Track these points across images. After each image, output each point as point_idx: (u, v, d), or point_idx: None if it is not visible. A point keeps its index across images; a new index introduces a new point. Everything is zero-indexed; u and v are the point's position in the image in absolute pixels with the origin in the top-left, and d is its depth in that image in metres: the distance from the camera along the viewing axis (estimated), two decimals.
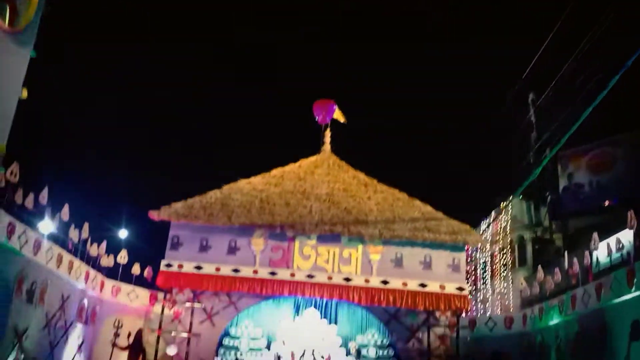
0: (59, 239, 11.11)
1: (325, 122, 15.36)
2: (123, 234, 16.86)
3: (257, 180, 14.55)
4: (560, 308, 11.32)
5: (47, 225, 11.05)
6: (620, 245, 9.56)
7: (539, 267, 12.81)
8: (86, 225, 12.12)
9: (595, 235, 10.50)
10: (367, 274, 13.20)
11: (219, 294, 13.71)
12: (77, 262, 11.65)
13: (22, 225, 9.43)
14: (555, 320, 11.54)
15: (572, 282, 11.25)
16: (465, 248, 13.90)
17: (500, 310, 17.61)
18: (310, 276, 13.17)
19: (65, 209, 11.14)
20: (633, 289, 8.87)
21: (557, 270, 11.90)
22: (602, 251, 11.06)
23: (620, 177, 17.93)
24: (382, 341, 14.41)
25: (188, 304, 13.55)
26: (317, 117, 15.05)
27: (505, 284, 19.43)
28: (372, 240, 13.39)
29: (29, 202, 9.99)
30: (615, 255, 10.32)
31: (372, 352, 14.27)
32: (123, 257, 13.57)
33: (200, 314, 13.72)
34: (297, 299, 14.77)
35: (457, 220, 13.77)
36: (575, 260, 11.10)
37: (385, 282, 13.09)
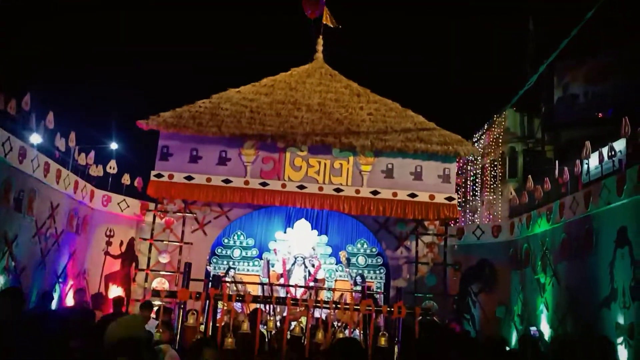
0: (45, 148, 10.92)
1: (316, 16, 14.78)
2: (113, 146, 16.68)
3: (247, 89, 14.21)
4: (547, 216, 11.43)
5: (33, 135, 10.88)
6: (613, 152, 9.50)
7: (529, 176, 12.82)
8: (73, 134, 11.91)
9: (587, 143, 10.42)
10: (358, 185, 13.17)
11: (211, 204, 13.72)
12: (65, 171, 11.52)
13: (5, 132, 9.20)
14: (542, 229, 11.68)
15: (561, 191, 11.29)
16: (457, 159, 13.80)
17: (489, 220, 17.84)
18: (301, 187, 13.10)
19: (50, 116, 10.86)
20: (622, 196, 8.88)
21: (547, 179, 11.92)
22: (594, 161, 11.02)
23: (617, 87, 17.71)
24: (371, 250, 14.81)
25: (179, 214, 13.56)
26: (307, 12, 14.47)
27: (495, 195, 19.60)
28: (364, 152, 13.25)
29: (12, 109, 9.71)
30: (607, 165, 10.28)
31: (361, 261, 14.72)
32: (112, 167, 13.45)
33: (192, 224, 13.81)
34: (289, 210, 14.98)
35: (450, 131, 13.59)
36: (565, 169, 11.08)
37: (375, 193, 13.08)
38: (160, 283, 13.52)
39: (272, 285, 7.34)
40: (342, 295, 9.81)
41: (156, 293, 6.78)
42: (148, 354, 2.70)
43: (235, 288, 11.38)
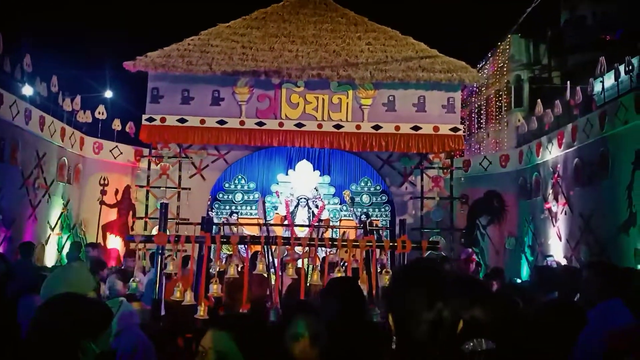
0: (24, 94, 10.19)
1: None
2: (108, 94, 15.90)
3: (237, 23, 13.27)
4: (559, 142, 10.70)
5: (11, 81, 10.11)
6: (630, 67, 8.65)
7: (538, 101, 12.02)
8: (54, 79, 11.14)
9: (602, 59, 9.57)
10: (359, 120, 12.44)
11: (207, 147, 13.03)
12: (49, 118, 10.81)
13: None
14: (553, 155, 10.97)
15: (573, 114, 10.52)
16: (461, 87, 12.98)
17: (496, 151, 17.12)
18: (299, 125, 12.40)
19: (27, 59, 10.07)
20: None
21: (557, 102, 11.12)
22: (609, 81, 10.18)
23: (627, 6, 16.60)
24: (375, 188, 14.28)
25: (175, 159, 12.95)
26: None
27: (500, 126, 18.82)
28: (363, 84, 12.44)
29: None
30: (624, 81, 9.43)
31: (365, 199, 14.21)
32: (101, 112, 12.76)
33: (189, 169, 13.15)
34: (289, 151, 14.37)
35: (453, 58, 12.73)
36: (578, 89, 10.26)
37: (377, 127, 12.36)
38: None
39: (267, 225, 6.75)
40: (344, 233, 9.24)
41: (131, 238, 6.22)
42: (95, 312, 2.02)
43: (234, 231, 10.81)
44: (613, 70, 9.41)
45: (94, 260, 8.20)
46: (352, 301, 2.88)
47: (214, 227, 10.82)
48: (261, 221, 10.45)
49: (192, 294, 4.53)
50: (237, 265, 4.76)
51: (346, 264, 5.16)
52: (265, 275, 4.88)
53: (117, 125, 12.95)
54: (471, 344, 2.04)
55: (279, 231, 12.40)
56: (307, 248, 4.75)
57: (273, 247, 5.22)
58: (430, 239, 11.91)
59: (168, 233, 12.33)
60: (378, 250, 4.88)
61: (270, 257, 5.64)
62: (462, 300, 1.90)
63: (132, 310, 2.92)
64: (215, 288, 4.42)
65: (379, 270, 5.18)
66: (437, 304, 1.72)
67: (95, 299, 2.44)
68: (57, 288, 2.37)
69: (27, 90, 10.53)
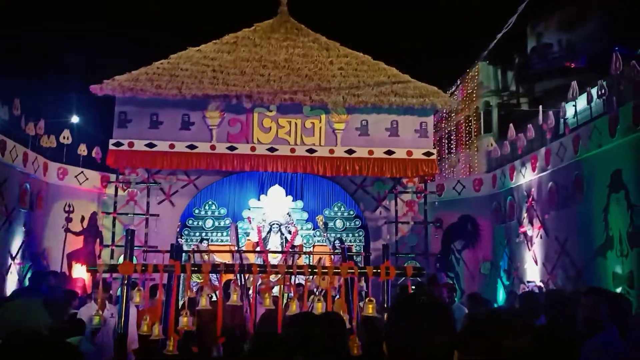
0: None
1: None
2: (74, 119, 15.42)
3: (208, 47, 12.99)
4: (532, 165, 10.64)
5: None
6: (603, 90, 8.64)
7: (510, 125, 11.99)
8: (17, 102, 10.67)
9: (574, 84, 9.58)
10: (332, 144, 12.23)
11: (176, 172, 12.63)
12: (10, 142, 10.31)
13: None
14: (527, 179, 10.90)
15: (546, 137, 10.49)
16: (433, 112, 12.93)
17: (468, 175, 17.09)
18: (271, 149, 12.12)
19: None
20: (616, 136, 8.08)
21: (529, 126, 11.10)
22: (581, 103, 10.20)
23: (592, 34, 16.95)
24: (349, 212, 14.09)
25: (143, 184, 12.51)
26: None
27: (471, 150, 18.88)
28: (336, 108, 12.26)
29: None
30: (596, 105, 9.44)
31: (339, 224, 14.04)
32: (66, 137, 12.29)
33: (157, 195, 12.72)
34: (261, 176, 14.11)
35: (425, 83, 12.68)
36: (550, 113, 10.25)
37: (350, 152, 12.17)
38: None
39: (240, 252, 6.43)
40: (320, 259, 8.93)
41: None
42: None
43: (205, 258, 10.38)
44: (585, 94, 9.41)
45: (66, 290, 7.72)
46: (336, 338, 2.62)
47: (183, 255, 10.53)
48: (233, 248, 10.10)
49: (161, 327, 4.17)
50: (209, 295, 4.40)
51: (324, 291, 4.86)
52: (240, 304, 4.53)
53: (82, 150, 12.51)
54: None
55: (252, 258, 12.06)
56: (283, 276, 4.41)
57: (247, 275, 4.89)
58: (405, 264, 11.80)
59: (135, 261, 11.94)
60: (358, 277, 4.59)
61: (245, 286, 5.31)
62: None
63: (91, 350, 2.57)
64: (184, 321, 4.06)
65: (360, 298, 4.91)
66: (435, 337, 1.76)
67: (53, 337, 2.09)
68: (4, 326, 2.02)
69: None
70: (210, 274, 7.53)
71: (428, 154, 12.14)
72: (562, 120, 10.23)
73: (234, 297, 4.35)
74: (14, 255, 10.70)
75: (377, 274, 4.25)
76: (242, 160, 12.00)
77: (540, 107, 11.02)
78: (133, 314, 6.32)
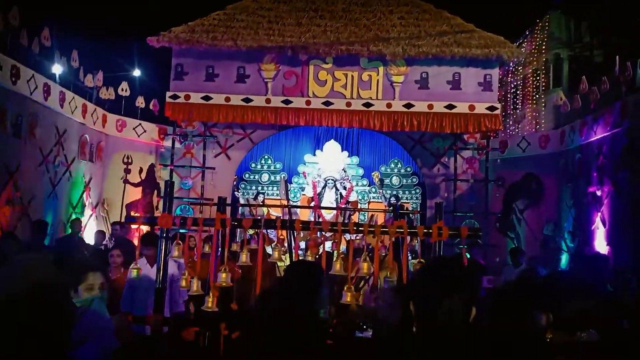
0: (43, 68, 9.74)
1: None
2: (136, 72, 15.46)
3: None
4: (606, 121, 9.81)
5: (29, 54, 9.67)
6: None
7: (583, 78, 11.08)
8: (75, 53, 10.68)
9: None
10: (390, 98, 11.73)
11: (232, 126, 12.56)
12: (69, 94, 10.38)
13: None
14: (598, 135, 10.09)
15: (622, 91, 9.60)
16: (499, 64, 12.16)
17: (534, 132, 16.21)
18: (327, 103, 11.75)
19: (46, 32, 9.60)
20: None
21: (604, 79, 10.20)
22: None
23: None
24: (405, 169, 13.72)
25: (199, 137, 12.49)
26: None
27: (538, 106, 17.84)
28: (395, 60, 11.69)
29: None
30: None
31: (395, 181, 13.65)
32: (124, 89, 12.32)
33: (214, 148, 12.72)
34: (317, 131, 13.92)
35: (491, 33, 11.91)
36: (628, 64, 9.34)
37: (409, 106, 11.63)
38: (183, 210, 12.61)
39: (290, 207, 6.20)
40: (372, 216, 8.61)
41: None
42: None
43: (263, 212, 10.23)
44: None
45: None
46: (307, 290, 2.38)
47: (239, 208, 10.45)
48: (283, 201, 9.92)
49: (199, 283, 4.00)
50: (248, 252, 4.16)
51: (373, 249, 4.56)
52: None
53: (140, 102, 12.54)
54: (584, 334, 2.39)
55: (305, 214, 11.94)
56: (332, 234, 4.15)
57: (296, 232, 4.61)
58: (464, 224, 11.35)
59: (191, 214, 11.97)
60: (409, 237, 4.25)
61: (292, 242, 5.07)
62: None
63: (102, 313, 2.37)
64: (223, 277, 3.86)
65: (410, 258, 4.59)
66: (452, 296, 1.95)
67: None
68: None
69: (47, 65, 10.08)
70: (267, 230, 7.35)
71: (492, 108, 11.48)
72: None
73: (275, 254, 4.13)
74: (74, 205, 10.92)
75: (428, 234, 3.89)
76: (297, 115, 11.73)
77: (617, 57, 10.06)
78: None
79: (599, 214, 9.80)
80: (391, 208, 12.09)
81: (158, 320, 3.85)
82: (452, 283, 1.98)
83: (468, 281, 2.02)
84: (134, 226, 12.10)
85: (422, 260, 3.87)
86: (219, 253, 4.28)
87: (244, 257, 4.09)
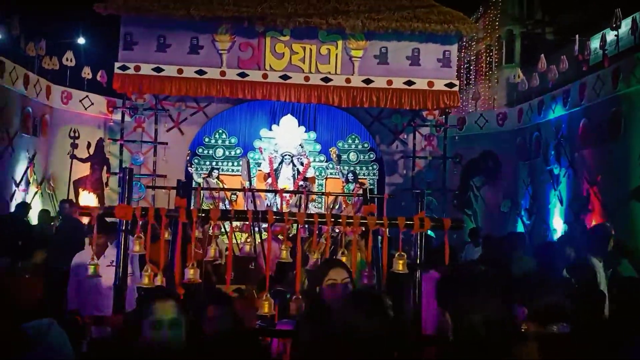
0: None
1: None
2: (77, 39, 14.53)
3: None
4: (564, 100, 9.82)
5: None
6: None
7: (542, 56, 11.05)
8: (15, 20, 9.87)
9: (618, 11, 8.61)
10: (349, 73, 11.48)
11: (185, 99, 12.07)
12: (9, 64, 9.59)
13: None
14: (557, 114, 10.12)
15: (582, 69, 9.60)
16: (457, 40, 12.04)
17: (486, 108, 16.32)
18: (284, 77, 11.39)
19: None
20: None
21: (563, 57, 10.19)
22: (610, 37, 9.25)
23: None
24: (363, 145, 13.56)
25: (151, 111, 11.94)
26: None
27: (491, 83, 17.94)
28: (354, 34, 11.39)
29: None
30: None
31: (352, 157, 13.49)
32: (70, 59, 11.55)
33: (166, 122, 12.21)
34: (273, 105, 13.54)
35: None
36: (588, 43, 9.32)
37: (368, 82, 11.41)
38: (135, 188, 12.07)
39: (253, 191, 5.88)
40: (336, 199, 8.33)
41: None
42: None
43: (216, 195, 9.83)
44: (629, 21, 8.48)
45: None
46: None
47: (196, 187, 10.00)
48: (244, 182, 9.58)
49: (163, 279, 3.63)
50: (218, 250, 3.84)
51: (349, 240, 4.31)
52: (253, 255, 4.00)
53: (87, 73, 11.83)
54: (555, 327, 2.57)
55: (263, 193, 11.67)
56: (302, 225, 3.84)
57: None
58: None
59: (143, 191, 11.48)
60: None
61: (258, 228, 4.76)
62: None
63: (61, 345, 1.97)
64: (191, 274, 3.52)
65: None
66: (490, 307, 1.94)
67: None
68: None
69: None
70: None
71: (450, 85, 11.39)
72: (600, 51, 9.31)
73: (247, 248, 3.82)
74: (18, 181, 10.23)
75: (409, 226, 3.64)
76: (254, 88, 11.35)
77: (577, 36, 10.04)
78: None
79: (557, 192, 9.87)
80: (351, 186, 12.06)
81: (120, 321, 3.48)
82: (487, 290, 1.97)
83: (500, 284, 2.02)
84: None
85: (402, 253, 3.62)
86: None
87: (212, 252, 3.75)
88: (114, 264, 4.25)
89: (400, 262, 3.62)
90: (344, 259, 3.63)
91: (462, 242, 9.55)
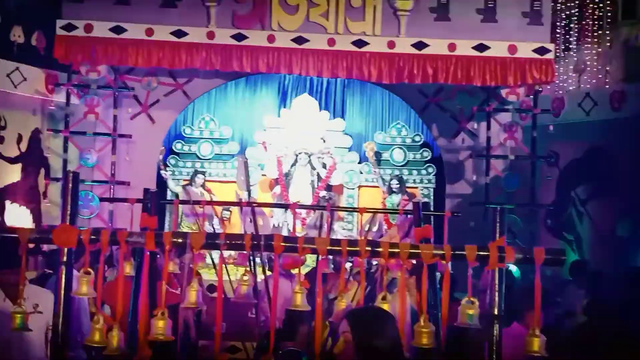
0: None
1: None
2: None
3: None
4: None
5: None
6: None
7: None
8: None
9: None
10: (392, 34, 11.81)
11: (157, 72, 12.55)
12: None
13: None
14: None
15: None
16: None
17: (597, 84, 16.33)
18: (299, 40, 11.74)
19: None
20: None
21: None
22: None
23: None
24: (413, 139, 13.72)
25: (108, 89, 12.37)
26: None
27: (602, 48, 17.88)
28: None
29: None
30: None
31: (397, 156, 13.60)
32: None
33: (130, 106, 12.71)
34: (283, 82, 14.13)
35: None
36: None
37: (420, 46, 11.68)
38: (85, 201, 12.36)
39: (253, 205, 5.93)
40: (373, 218, 8.25)
41: None
42: None
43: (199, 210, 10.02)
44: None
45: None
46: None
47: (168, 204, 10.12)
48: (241, 192, 9.67)
49: (122, 335, 3.68)
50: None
51: (393, 279, 4.35)
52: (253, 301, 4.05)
53: (17, 35, 12.10)
54: None
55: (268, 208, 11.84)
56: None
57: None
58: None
59: (97, 204, 11.70)
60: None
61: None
62: None
63: None
64: (160, 326, 3.55)
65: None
66: None
67: None
68: None
69: None
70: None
71: (542, 50, 11.68)
72: None
73: (243, 289, 3.85)
74: None
75: (483, 259, 3.63)
76: (255, 56, 11.70)
77: None
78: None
79: None
80: (396, 197, 12.12)
81: None
82: None
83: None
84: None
85: (472, 299, 3.62)
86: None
87: (192, 296, 3.77)
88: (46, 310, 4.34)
89: (470, 311, 3.64)
90: (385, 307, 3.66)
91: (561, 282, 9.55)
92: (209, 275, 11.06)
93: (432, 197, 13.20)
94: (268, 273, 6.02)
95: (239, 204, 8.10)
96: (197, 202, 8.25)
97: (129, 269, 5.08)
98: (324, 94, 14.16)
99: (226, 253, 4.93)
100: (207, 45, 11.57)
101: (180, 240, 3.65)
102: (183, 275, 5.48)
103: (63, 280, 3.73)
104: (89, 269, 3.72)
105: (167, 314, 3.67)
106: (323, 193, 12.75)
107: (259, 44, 11.64)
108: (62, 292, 3.70)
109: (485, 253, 3.63)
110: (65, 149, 12.19)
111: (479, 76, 11.62)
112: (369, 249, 3.69)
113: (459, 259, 3.72)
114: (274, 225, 12.03)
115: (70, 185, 3.86)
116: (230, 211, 12.52)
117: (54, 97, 12.49)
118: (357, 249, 3.67)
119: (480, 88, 12.15)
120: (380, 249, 3.67)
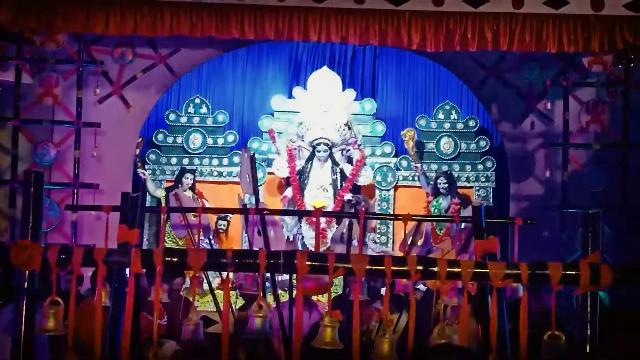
0: None
1: None
2: None
3: None
4: None
5: None
6: None
7: None
8: None
9: None
10: None
11: (133, 42, 12.72)
12: None
13: None
14: None
15: None
16: None
17: None
18: None
19: None
20: None
21: None
22: None
23: None
24: (466, 123, 13.75)
25: (69, 65, 12.51)
26: None
27: None
28: None
29: None
30: None
31: (445, 145, 13.63)
32: None
33: (100, 85, 12.77)
34: (296, 51, 14.28)
35: None
36: None
37: (476, 2, 11.52)
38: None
39: (263, 212, 5.94)
40: (417, 227, 8.22)
41: None
42: None
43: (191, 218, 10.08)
44: None
45: None
46: None
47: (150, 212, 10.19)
48: (244, 194, 9.68)
49: None
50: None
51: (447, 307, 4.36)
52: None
53: None
54: None
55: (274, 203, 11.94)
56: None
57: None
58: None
59: (57, 215, 11.86)
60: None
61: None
62: None
63: None
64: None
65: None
66: None
67: None
68: None
69: None
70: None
71: (636, 5, 11.38)
72: None
73: (257, 322, 3.88)
74: None
75: (571, 281, 3.62)
76: (260, 19, 11.71)
77: None
78: None
79: None
80: (444, 201, 12.12)
81: None
82: None
83: None
84: None
85: (558, 333, 3.63)
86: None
87: (189, 329, 3.83)
88: None
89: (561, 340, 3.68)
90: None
91: None
92: (201, 305, 11.21)
93: (491, 200, 13.21)
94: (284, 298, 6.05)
95: (244, 211, 8.12)
96: (192, 210, 8.30)
97: (104, 299, 5.13)
98: (349, 67, 14.30)
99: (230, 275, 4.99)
100: (197, 5, 11.59)
101: (175, 260, 3.70)
102: (175, 304, 5.53)
103: (24, 313, 3.80)
104: (57, 298, 3.78)
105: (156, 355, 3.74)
106: (349, 196, 12.76)
107: (265, 2, 11.63)
108: (23, 328, 3.76)
109: (575, 272, 3.63)
110: (15, 143, 12.24)
111: (552, 41, 11.50)
112: (421, 268, 3.72)
113: (539, 282, 3.73)
114: (287, 238, 12.10)
115: (32, 189, 3.92)
116: (228, 221, 12.59)
117: (0, 76, 12.59)
118: (406, 268, 3.69)
119: (555, 56, 12.10)
120: (435, 268, 3.68)
